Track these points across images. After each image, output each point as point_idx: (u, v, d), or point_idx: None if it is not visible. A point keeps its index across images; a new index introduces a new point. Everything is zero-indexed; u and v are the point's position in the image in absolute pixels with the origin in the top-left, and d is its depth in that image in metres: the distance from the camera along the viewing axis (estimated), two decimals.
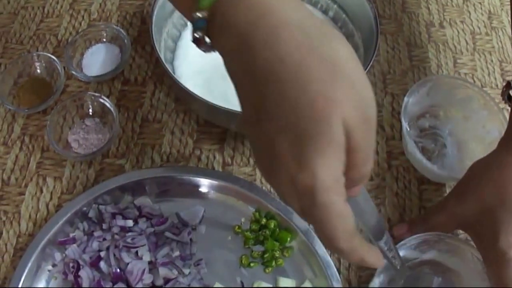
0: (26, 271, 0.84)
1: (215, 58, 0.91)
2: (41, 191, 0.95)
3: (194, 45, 0.60)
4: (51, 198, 0.94)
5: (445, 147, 1.01)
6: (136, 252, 0.85)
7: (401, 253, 0.84)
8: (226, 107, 0.83)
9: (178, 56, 0.99)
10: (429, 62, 1.12)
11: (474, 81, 1.10)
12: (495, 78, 1.12)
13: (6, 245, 0.90)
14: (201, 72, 0.95)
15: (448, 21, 1.19)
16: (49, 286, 0.86)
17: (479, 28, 1.19)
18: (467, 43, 1.16)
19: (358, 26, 1.00)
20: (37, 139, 0.99)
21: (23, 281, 0.83)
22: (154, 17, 0.94)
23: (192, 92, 0.85)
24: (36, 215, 0.93)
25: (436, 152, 1.00)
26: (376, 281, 0.83)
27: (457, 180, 0.89)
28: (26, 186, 0.95)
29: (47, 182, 0.96)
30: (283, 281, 0.88)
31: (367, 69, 0.87)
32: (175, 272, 0.85)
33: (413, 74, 1.10)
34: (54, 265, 0.87)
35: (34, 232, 0.91)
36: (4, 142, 0.99)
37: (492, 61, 1.14)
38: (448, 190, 0.98)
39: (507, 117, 0.90)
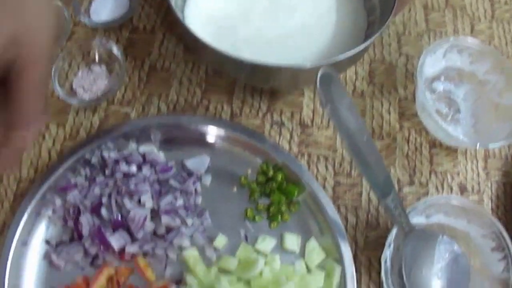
0: (26, 216, 0.83)
1: (226, 7, 0.90)
2: (43, 138, 0.93)
3: None
4: (53, 145, 0.92)
5: (459, 112, 0.99)
6: (139, 199, 0.82)
7: (412, 220, 0.82)
8: (236, 56, 0.81)
9: (189, 4, 0.96)
10: (445, 26, 1.10)
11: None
12: None
13: (6, 191, 0.89)
14: (211, 21, 0.93)
15: None
16: (49, 233, 0.85)
17: None
18: (485, 10, 1.14)
19: None
20: None
21: (22, 227, 0.82)
22: None
23: (202, 40, 0.82)
24: (38, 162, 0.91)
25: (449, 117, 0.98)
26: (387, 252, 0.81)
27: (469, 146, 0.87)
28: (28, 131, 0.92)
29: (50, 129, 0.94)
30: (288, 237, 0.86)
31: (381, 30, 0.84)
32: (178, 221, 0.83)
33: (429, 38, 1.07)
34: (54, 212, 0.85)
35: (35, 178, 0.89)
36: None
37: (510, 30, 1.11)
38: (459, 156, 0.97)
39: None
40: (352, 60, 0.89)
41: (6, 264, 0.80)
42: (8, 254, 0.80)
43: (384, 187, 0.77)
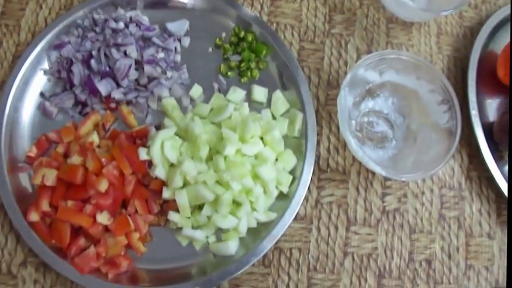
0: (22, 71, 0.95)
1: None
2: (40, 8, 1.04)
3: None
4: (49, 13, 1.04)
5: None
6: (125, 52, 0.94)
7: (365, 74, 0.95)
8: None
9: None
10: None
11: None
12: None
13: (5, 53, 1.00)
14: None
15: None
16: (43, 86, 0.97)
17: None
18: None
19: None
20: None
21: (19, 81, 0.94)
22: None
23: None
24: (35, 28, 1.02)
25: None
26: (342, 93, 0.92)
27: (422, 17, 1.00)
28: (27, 3, 1.04)
29: (46, 0, 1.05)
30: (257, 89, 0.98)
31: None
32: (159, 70, 0.94)
33: None
34: (50, 67, 0.97)
35: (32, 41, 0.99)
36: None
37: None
38: (414, 31, 1.08)
39: None
40: None
41: (3, 116, 0.92)
42: (4, 107, 0.92)
43: None
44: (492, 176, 0.98)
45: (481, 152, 0.99)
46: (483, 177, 1.01)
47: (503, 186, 0.97)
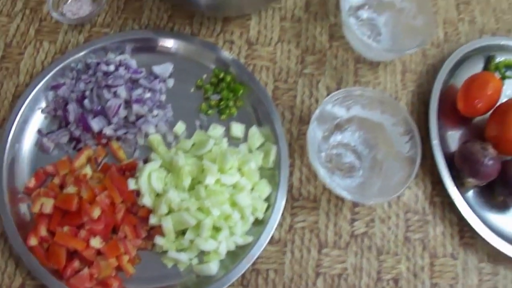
0: (22, 110, 1.06)
1: None
2: (38, 52, 1.15)
3: None
4: (45, 57, 1.15)
5: (380, 35, 1.22)
6: (115, 92, 1.05)
7: (333, 110, 1.05)
8: None
9: None
10: None
11: None
12: None
13: (6, 93, 1.11)
14: None
15: None
16: (41, 124, 1.08)
17: None
18: None
19: None
20: (36, 12, 1.20)
21: (18, 120, 1.05)
22: None
23: None
24: (33, 70, 1.13)
25: (371, 39, 1.21)
26: (311, 127, 1.02)
27: (389, 57, 1.12)
28: (25, 48, 1.16)
29: (43, 45, 1.16)
30: (235, 126, 1.09)
31: None
32: (146, 109, 1.05)
33: None
34: (46, 106, 1.08)
35: (30, 83, 1.10)
36: (7, 13, 1.20)
37: None
38: (380, 71, 1.19)
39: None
40: None
41: (4, 152, 1.03)
42: (5, 143, 1.03)
43: None
44: (453, 201, 1.06)
45: (442, 179, 1.07)
46: (445, 202, 1.09)
47: (464, 210, 1.06)
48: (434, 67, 1.22)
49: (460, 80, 1.17)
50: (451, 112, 1.16)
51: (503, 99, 1.12)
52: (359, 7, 1.22)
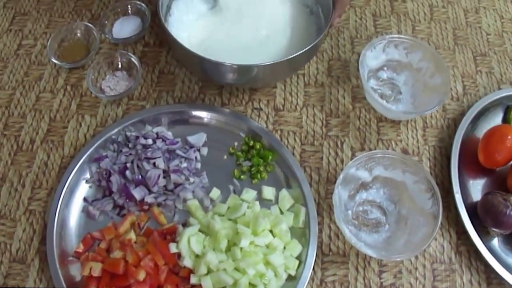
0: (68, 181, 1.22)
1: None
2: (80, 125, 1.33)
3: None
4: (87, 130, 1.32)
5: (400, 94, 1.37)
6: (154, 163, 1.21)
7: (356, 173, 1.19)
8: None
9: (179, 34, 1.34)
10: (390, 29, 1.50)
11: (430, 44, 1.47)
12: (448, 42, 1.50)
13: (52, 164, 1.28)
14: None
15: None
16: (86, 193, 1.23)
17: (436, 1, 1.58)
18: (425, 13, 1.54)
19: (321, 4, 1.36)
20: (77, 88, 1.38)
21: (66, 189, 1.21)
22: None
23: (188, 50, 1.20)
24: (76, 143, 1.31)
25: (392, 97, 1.36)
26: (336, 191, 1.15)
27: (409, 117, 1.26)
28: (68, 122, 1.33)
29: (85, 119, 1.34)
30: (266, 189, 1.24)
31: (325, 31, 1.22)
32: (183, 178, 1.21)
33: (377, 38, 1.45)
34: (91, 177, 1.24)
35: (75, 154, 1.28)
36: (51, 90, 1.38)
37: (446, 28, 1.52)
38: (402, 127, 1.34)
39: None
40: (308, 56, 1.30)
41: (54, 218, 1.18)
42: (55, 211, 1.19)
43: None
44: (479, 249, 1.15)
45: (467, 229, 1.17)
46: (471, 251, 1.18)
47: (489, 258, 1.15)
48: (454, 121, 1.35)
49: (480, 131, 1.30)
50: (473, 163, 1.27)
51: None
52: (379, 69, 1.37)
